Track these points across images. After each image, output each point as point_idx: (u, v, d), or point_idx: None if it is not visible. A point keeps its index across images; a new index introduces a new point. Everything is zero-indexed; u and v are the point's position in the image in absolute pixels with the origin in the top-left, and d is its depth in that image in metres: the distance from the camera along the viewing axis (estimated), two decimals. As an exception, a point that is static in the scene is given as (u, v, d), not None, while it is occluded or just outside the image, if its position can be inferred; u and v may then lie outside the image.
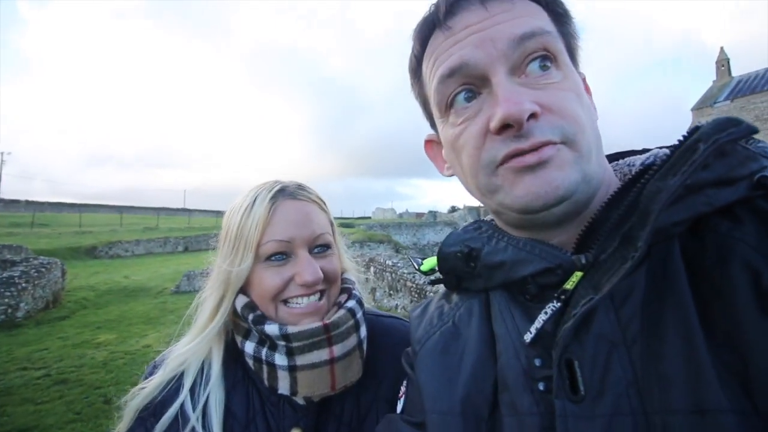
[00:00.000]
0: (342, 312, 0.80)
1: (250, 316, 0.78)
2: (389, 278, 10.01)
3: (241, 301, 0.80)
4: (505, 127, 0.45)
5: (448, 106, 0.52)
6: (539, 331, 0.47)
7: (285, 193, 0.83)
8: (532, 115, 0.45)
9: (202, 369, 0.81)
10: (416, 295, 8.57)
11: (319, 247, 0.82)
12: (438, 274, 0.64)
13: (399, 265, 9.92)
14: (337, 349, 0.76)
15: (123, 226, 26.83)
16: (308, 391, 0.75)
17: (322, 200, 0.89)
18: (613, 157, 0.61)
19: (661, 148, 0.55)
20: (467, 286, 0.59)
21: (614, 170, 0.57)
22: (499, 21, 0.48)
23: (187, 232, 25.86)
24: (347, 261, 0.95)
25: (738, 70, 37.51)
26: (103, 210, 37.70)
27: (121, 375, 6.06)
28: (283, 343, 0.75)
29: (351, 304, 0.83)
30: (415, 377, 0.58)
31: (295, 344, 0.74)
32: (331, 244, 0.85)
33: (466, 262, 0.57)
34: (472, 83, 0.49)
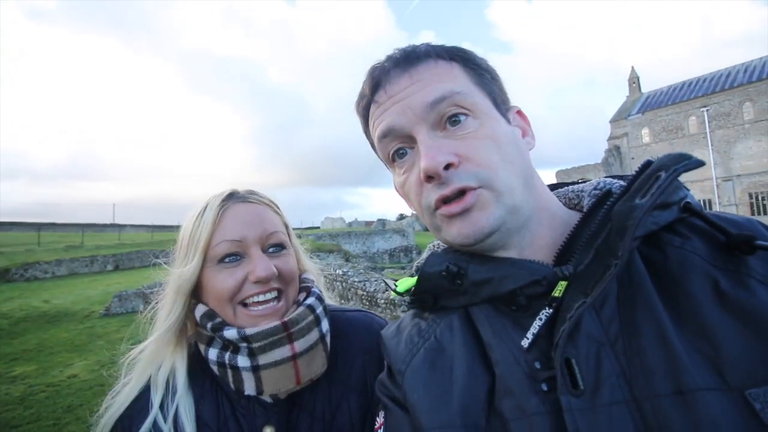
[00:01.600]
0: (301, 309, 0.82)
1: (209, 325, 0.79)
2: (340, 288, 9.95)
3: (201, 310, 0.81)
4: (429, 177, 0.56)
5: (391, 160, 0.63)
6: (535, 337, 0.51)
7: (235, 197, 0.86)
8: (451, 164, 0.55)
9: (168, 382, 0.81)
10: (367, 303, 8.59)
11: (273, 247, 0.84)
12: (409, 297, 0.67)
13: (349, 273, 9.90)
14: (299, 345, 0.78)
15: (41, 245, 24.00)
16: (273, 388, 0.77)
17: (274, 203, 0.91)
18: (551, 187, 0.72)
19: (604, 179, 0.66)
20: (444, 304, 0.63)
21: (558, 196, 0.69)
22: (414, 91, 0.58)
23: (118, 249, 23.76)
24: (306, 261, 0.97)
25: (646, 86, 42.33)
26: (16, 228, 33.46)
27: (42, 410, 5.42)
28: (244, 344, 0.77)
29: (310, 300, 0.85)
30: (405, 396, 0.59)
31: (255, 345, 0.76)
32: (286, 244, 0.87)
33: (452, 281, 0.61)
34: (404, 141, 0.60)
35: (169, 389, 0.80)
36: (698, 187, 34.32)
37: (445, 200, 0.56)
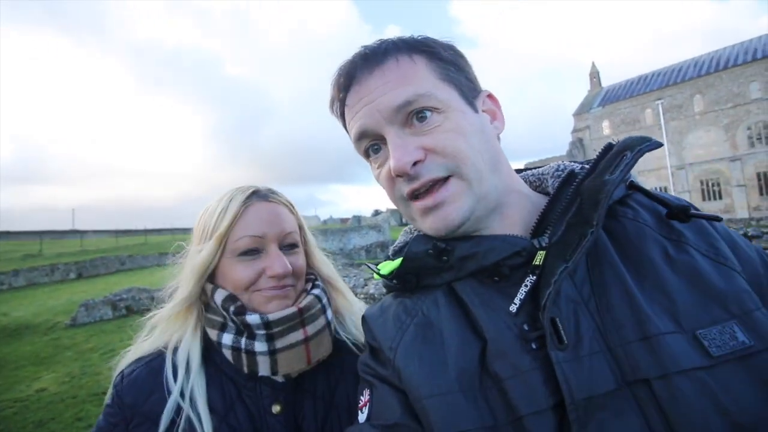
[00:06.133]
0: (311, 297, 0.91)
1: (232, 308, 0.85)
2: (318, 285, 9.95)
3: (222, 294, 0.87)
4: (398, 175, 0.61)
5: (367, 155, 0.68)
6: (522, 302, 0.57)
7: (258, 195, 0.92)
8: (418, 161, 0.60)
9: (187, 364, 0.87)
10: (347, 299, 8.66)
11: (287, 246, 0.92)
12: (392, 278, 0.70)
13: (327, 271, 9.92)
14: (310, 329, 0.87)
15: (-6, 255, 22.61)
16: (287, 369, 0.85)
17: (291, 203, 0.98)
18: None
19: (563, 162, 0.73)
20: (428, 283, 0.67)
21: (523, 179, 0.75)
22: (380, 93, 0.61)
23: (81, 257, 22.70)
24: (318, 255, 1.04)
25: (606, 81, 44.18)
26: (-37, 238, 31.27)
27: (12, 426, 5.19)
28: (263, 331, 0.84)
29: (317, 291, 0.94)
30: (399, 372, 0.60)
31: (275, 330, 0.84)
32: (298, 243, 0.95)
33: (438, 258, 0.64)
34: (376, 139, 0.64)
35: (187, 371, 0.86)
36: (655, 175, 36.29)
37: (416, 192, 0.61)
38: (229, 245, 0.88)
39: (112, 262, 22.26)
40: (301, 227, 0.99)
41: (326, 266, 1.05)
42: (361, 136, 0.64)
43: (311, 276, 1.00)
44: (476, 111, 0.65)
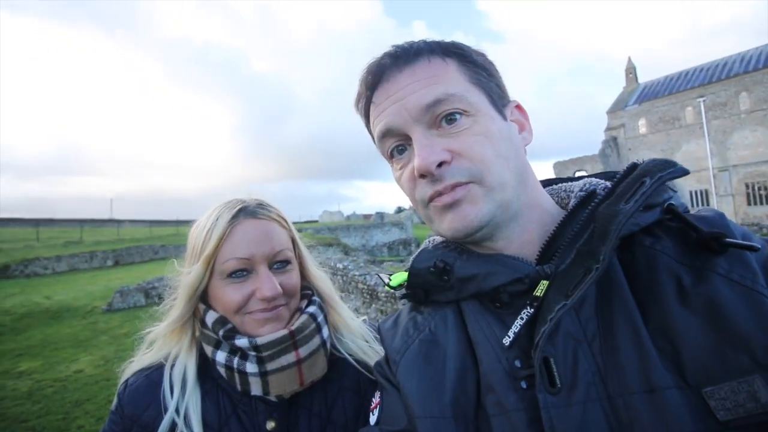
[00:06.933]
0: (304, 317, 0.87)
1: (221, 331, 0.84)
2: (340, 281, 10.03)
3: (212, 316, 0.86)
4: (423, 175, 0.58)
5: (390, 156, 0.65)
6: (516, 335, 0.53)
7: (246, 211, 0.88)
8: (444, 162, 0.56)
9: (183, 380, 0.87)
10: (368, 296, 8.69)
11: (279, 263, 0.88)
12: (403, 290, 0.69)
13: (350, 267, 9.97)
14: (303, 351, 0.84)
15: (40, 241, 24.03)
16: (279, 390, 0.83)
17: (282, 217, 0.93)
18: (545, 183, 0.72)
19: (590, 176, 0.68)
20: (436, 299, 0.64)
21: (551, 194, 0.69)
22: (410, 91, 0.59)
23: (117, 245, 23.79)
24: (313, 269, 1.00)
25: (642, 77, 42.33)
26: (13, 224, 33.41)
27: (51, 404, 5.52)
28: (253, 353, 0.82)
29: (312, 309, 0.90)
30: (399, 385, 0.60)
31: (265, 353, 0.82)
32: (291, 259, 0.91)
33: (439, 276, 0.62)
34: (401, 139, 0.61)
35: (183, 387, 0.85)
36: (695, 177, 34.48)
37: (438, 193, 0.58)
38: (217, 267, 0.85)
39: (146, 251, 23.26)
40: (294, 241, 0.95)
41: (322, 281, 1.01)
42: (386, 134, 0.62)
43: (307, 292, 0.96)
44: (505, 119, 0.62)
